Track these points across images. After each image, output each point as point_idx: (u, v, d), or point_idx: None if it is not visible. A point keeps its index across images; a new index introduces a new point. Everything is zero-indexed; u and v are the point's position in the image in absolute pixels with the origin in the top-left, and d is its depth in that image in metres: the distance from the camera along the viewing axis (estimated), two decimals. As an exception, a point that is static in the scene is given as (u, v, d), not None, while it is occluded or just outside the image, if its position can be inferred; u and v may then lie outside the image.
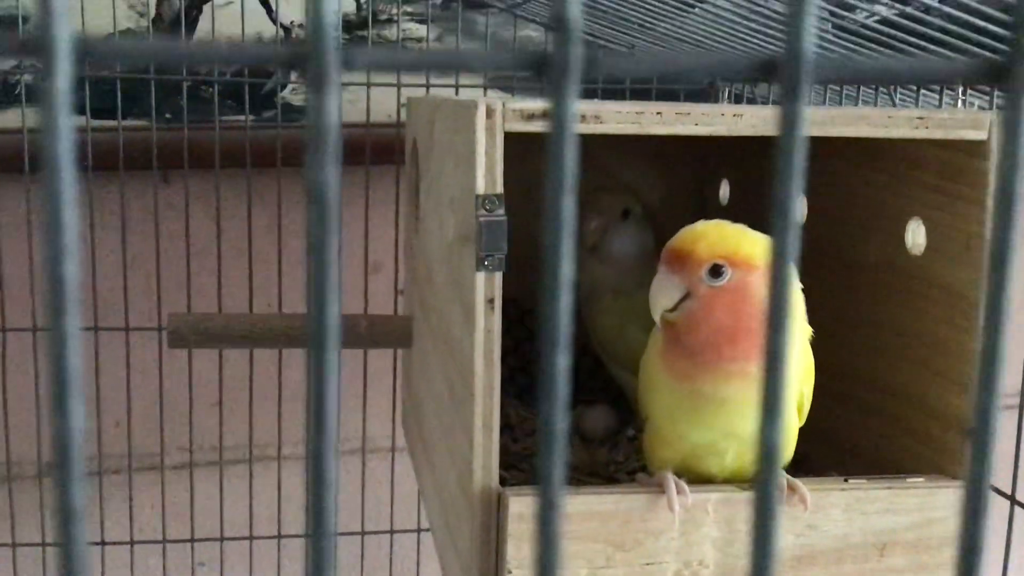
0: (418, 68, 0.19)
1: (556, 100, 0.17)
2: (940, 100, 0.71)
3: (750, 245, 0.58)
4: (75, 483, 0.18)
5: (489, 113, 0.58)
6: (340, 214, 0.18)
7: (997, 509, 0.69)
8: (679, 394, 0.60)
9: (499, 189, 0.59)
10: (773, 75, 0.17)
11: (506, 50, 0.16)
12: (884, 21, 0.85)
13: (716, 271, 0.57)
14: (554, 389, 0.18)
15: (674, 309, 0.58)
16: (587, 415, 0.90)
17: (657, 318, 0.58)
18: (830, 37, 0.82)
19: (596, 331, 0.91)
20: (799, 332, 0.61)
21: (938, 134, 0.62)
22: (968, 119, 0.63)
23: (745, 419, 0.59)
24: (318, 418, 0.19)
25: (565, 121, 0.17)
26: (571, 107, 0.17)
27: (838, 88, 0.83)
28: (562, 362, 0.18)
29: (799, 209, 0.85)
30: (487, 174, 0.58)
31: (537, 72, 0.18)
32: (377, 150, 1.07)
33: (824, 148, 0.79)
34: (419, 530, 1.13)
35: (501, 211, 0.58)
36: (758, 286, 0.58)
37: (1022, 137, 0.18)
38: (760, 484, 0.19)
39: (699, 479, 0.62)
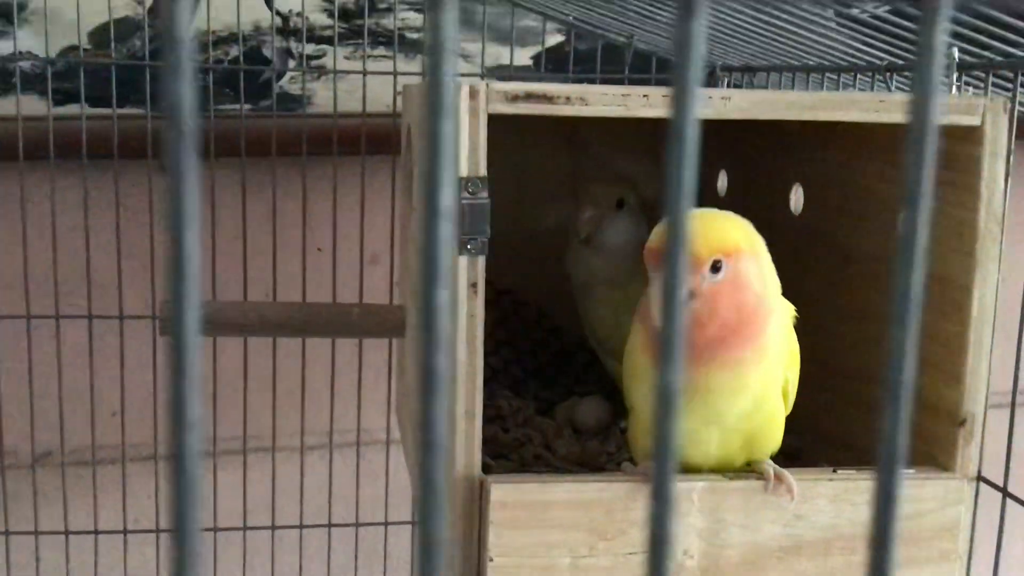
0: None
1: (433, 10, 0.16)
2: (935, 87, 0.70)
3: (735, 231, 0.58)
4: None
5: (472, 94, 0.57)
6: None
7: (990, 501, 0.68)
8: None
9: (482, 172, 0.58)
10: None
11: None
12: (878, 18, 0.85)
13: (716, 267, 0.56)
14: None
15: None
16: (580, 407, 0.90)
17: (661, 324, 0.56)
18: (832, 27, 0.81)
19: (590, 322, 0.90)
20: (778, 310, 0.60)
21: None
22: (961, 104, 0.62)
23: (730, 406, 0.58)
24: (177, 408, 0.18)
25: (441, 41, 0.16)
26: (449, 19, 0.16)
27: (835, 77, 0.82)
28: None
29: (796, 201, 0.84)
30: (470, 156, 0.58)
31: None
32: (373, 140, 1.06)
33: (820, 137, 0.79)
34: (413, 522, 1.13)
35: (484, 194, 0.58)
36: (748, 271, 0.57)
37: (933, 64, 0.17)
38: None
39: (684, 469, 0.61)
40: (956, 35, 0.65)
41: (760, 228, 0.83)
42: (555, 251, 0.99)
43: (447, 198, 0.17)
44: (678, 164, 0.17)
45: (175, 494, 0.18)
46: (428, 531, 0.17)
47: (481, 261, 0.58)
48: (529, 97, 0.58)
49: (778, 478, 0.60)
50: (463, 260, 0.58)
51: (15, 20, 1.05)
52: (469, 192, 0.57)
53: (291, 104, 1.12)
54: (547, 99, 0.58)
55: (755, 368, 0.58)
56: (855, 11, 0.71)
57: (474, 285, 0.58)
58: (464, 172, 0.58)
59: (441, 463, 0.17)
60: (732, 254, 0.56)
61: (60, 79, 1.07)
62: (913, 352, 0.19)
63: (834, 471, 0.63)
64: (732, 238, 0.57)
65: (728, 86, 1.02)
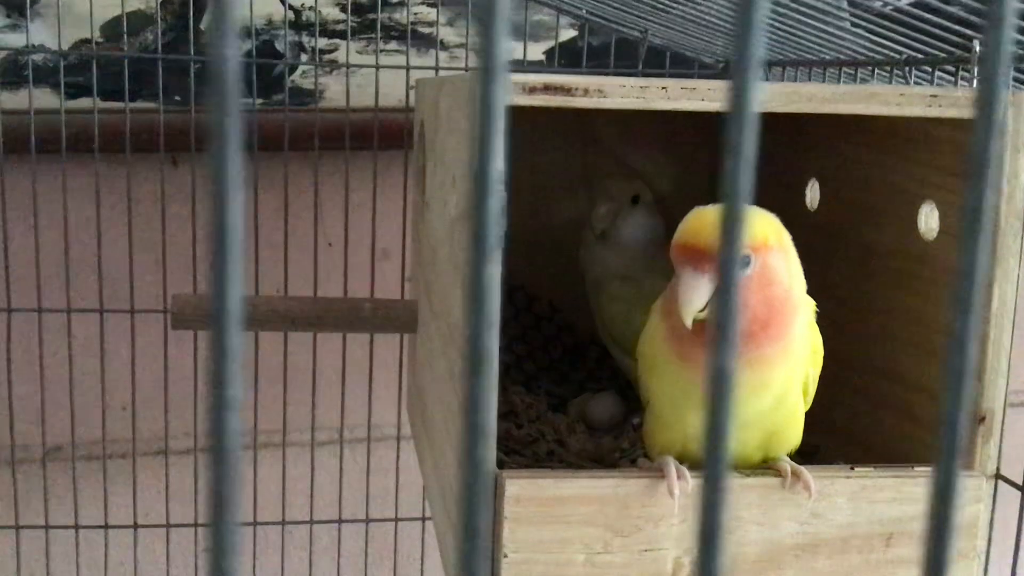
0: None
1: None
2: (956, 81, 0.69)
3: (763, 226, 0.57)
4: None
5: (489, 86, 0.57)
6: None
7: (1009, 500, 0.67)
8: (686, 378, 0.58)
9: (500, 165, 0.57)
10: None
11: None
12: (899, 10, 0.84)
13: (744, 262, 0.55)
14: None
15: (704, 308, 0.56)
16: (593, 403, 0.89)
17: (689, 321, 0.55)
18: (848, 24, 0.81)
19: (602, 318, 0.90)
20: (803, 306, 0.59)
21: (951, 112, 0.60)
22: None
23: (751, 404, 0.58)
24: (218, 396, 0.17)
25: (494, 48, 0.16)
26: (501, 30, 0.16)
27: (852, 71, 0.81)
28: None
29: (812, 196, 0.83)
30: (487, 149, 0.57)
31: None
32: (386, 135, 1.06)
33: (837, 131, 0.78)
34: (424, 518, 1.12)
35: (500, 188, 0.57)
36: (775, 266, 0.56)
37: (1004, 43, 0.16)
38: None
39: (700, 465, 0.61)
40: (976, 28, 0.64)
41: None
42: (568, 246, 0.99)
43: (497, 166, 0.16)
44: (735, 160, 0.16)
45: (215, 489, 0.17)
46: (471, 518, 0.16)
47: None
48: (547, 89, 0.57)
49: (795, 475, 0.59)
50: (479, 253, 0.58)
51: (28, 13, 1.04)
52: (485, 185, 0.57)
53: (303, 98, 1.11)
54: (565, 91, 0.57)
55: (779, 366, 0.57)
56: (876, 3, 0.71)
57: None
58: (480, 164, 0.57)
59: (489, 448, 0.16)
60: (760, 249, 0.56)
61: (72, 72, 1.07)
62: (974, 345, 0.19)
63: (852, 469, 0.62)
64: (761, 233, 0.56)
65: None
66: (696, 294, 0.54)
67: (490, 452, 0.17)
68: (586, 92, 0.57)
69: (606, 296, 0.89)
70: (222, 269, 0.16)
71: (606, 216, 0.88)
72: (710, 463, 0.18)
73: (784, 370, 0.57)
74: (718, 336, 0.17)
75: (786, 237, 0.59)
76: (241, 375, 0.18)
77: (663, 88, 0.58)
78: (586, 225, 0.90)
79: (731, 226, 0.18)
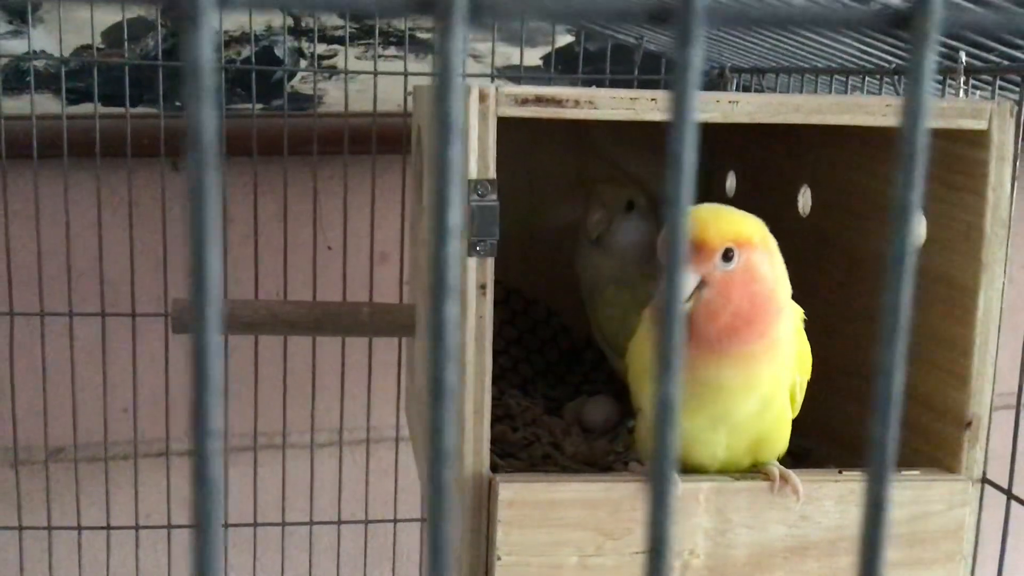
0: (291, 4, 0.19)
1: (443, 40, 0.17)
2: (943, 90, 0.70)
3: (748, 224, 0.58)
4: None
5: (482, 97, 0.58)
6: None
7: (995, 503, 0.68)
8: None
9: (492, 174, 0.58)
10: (667, 20, 0.16)
11: None
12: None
13: (728, 255, 0.56)
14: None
15: (688, 299, 0.57)
16: (588, 406, 0.90)
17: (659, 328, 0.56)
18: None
19: (599, 322, 0.91)
20: (788, 309, 0.60)
21: (938, 123, 0.61)
22: (968, 108, 0.62)
23: (739, 404, 0.59)
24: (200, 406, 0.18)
25: (451, 62, 0.17)
26: (457, 47, 0.17)
27: (843, 79, 0.82)
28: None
29: (804, 202, 0.84)
30: (480, 159, 0.58)
31: (423, 10, 0.18)
32: (384, 140, 1.07)
33: (829, 138, 0.79)
34: (422, 519, 1.13)
35: (493, 196, 0.58)
36: (760, 264, 0.58)
37: (923, 84, 0.17)
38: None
39: (691, 469, 0.62)
40: (962, 39, 0.65)
41: (768, 229, 0.83)
42: (564, 250, 1.00)
43: (455, 216, 0.17)
44: (677, 176, 0.17)
45: (197, 493, 0.18)
46: (437, 536, 0.17)
47: (490, 263, 0.59)
48: (538, 100, 0.58)
49: (783, 479, 0.60)
50: (472, 262, 0.59)
51: (29, 20, 1.06)
52: (478, 195, 0.58)
53: (302, 103, 1.12)
54: (556, 102, 0.58)
55: (766, 364, 0.58)
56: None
57: (483, 287, 0.59)
58: (473, 175, 0.58)
59: (450, 471, 0.18)
60: (744, 245, 0.57)
61: (74, 78, 1.08)
62: (901, 368, 0.20)
63: (840, 472, 0.63)
64: (745, 230, 0.57)
65: (737, 87, 1.02)
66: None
67: (451, 476, 0.18)
68: (577, 103, 0.59)
69: (601, 301, 0.90)
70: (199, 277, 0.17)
71: (600, 222, 0.89)
72: (656, 477, 0.19)
73: (770, 370, 0.58)
74: (662, 358, 0.18)
75: (771, 240, 0.60)
76: (219, 377, 0.19)
77: (652, 100, 0.59)
78: (581, 230, 0.91)
79: (675, 228, 0.18)
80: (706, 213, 0.58)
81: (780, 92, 0.94)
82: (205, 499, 0.17)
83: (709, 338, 0.56)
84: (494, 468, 0.62)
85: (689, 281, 0.56)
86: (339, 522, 1.12)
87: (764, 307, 0.57)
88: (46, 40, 1.07)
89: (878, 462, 0.19)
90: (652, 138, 1.04)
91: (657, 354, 0.18)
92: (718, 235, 0.56)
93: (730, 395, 0.58)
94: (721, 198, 0.99)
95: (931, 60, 0.18)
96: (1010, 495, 0.68)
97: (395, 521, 1.14)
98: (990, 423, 0.64)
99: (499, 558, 0.59)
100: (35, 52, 1.06)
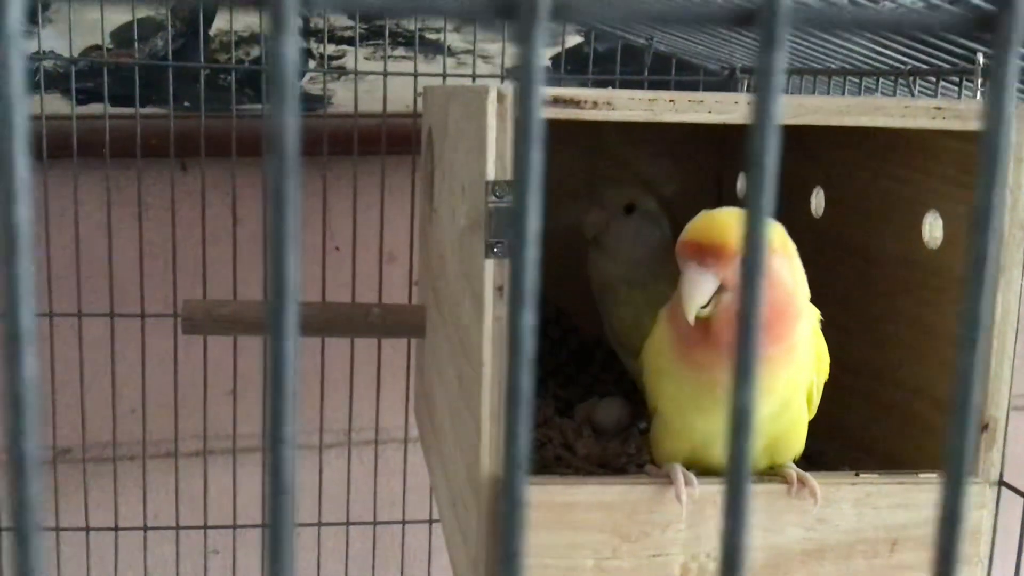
0: (376, 8, 0.18)
1: (523, 45, 0.17)
2: (959, 91, 0.70)
3: (774, 231, 0.58)
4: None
5: (500, 98, 0.58)
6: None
7: (1012, 507, 0.68)
8: (694, 383, 0.59)
9: (510, 176, 0.58)
10: (750, 22, 0.16)
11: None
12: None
13: None
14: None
15: (707, 304, 0.57)
16: (600, 407, 0.90)
17: (691, 317, 0.56)
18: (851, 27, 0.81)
19: (611, 323, 0.91)
20: (807, 313, 0.60)
21: (955, 124, 0.61)
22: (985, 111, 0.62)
23: (760, 405, 0.59)
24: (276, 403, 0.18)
25: (532, 67, 0.17)
26: (538, 52, 0.17)
27: (857, 80, 0.82)
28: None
29: (817, 204, 0.84)
30: (498, 160, 0.58)
31: (505, 15, 0.18)
32: (393, 140, 1.07)
33: (842, 140, 0.79)
34: (431, 521, 1.13)
35: (511, 198, 0.58)
36: (780, 268, 0.57)
37: (1007, 91, 0.17)
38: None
39: (708, 472, 0.62)
40: (979, 40, 0.65)
41: (776, 216, 0.83)
42: (573, 250, 1.00)
43: (533, 225, 0.17)
44: (758, 172, 0.17)
45: (272, 500, 0.18)
46: (509, 545, 0.17)
47: (507, 264, 0.59)
48: (556, 102, 0.58)
49: (801, 481, 0.60)
50: (489, 263, 0.59)
51: (39, 20, 1.05)
52: (496, 196, 0.58)
53: (312, 104, 1.12)
54: (575, 103, 0.58)
55: (783, 367, 0.58)
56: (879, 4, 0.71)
57: (500, 288, 0.59)
58: (492, 176, 0.58)
59: (525, 481, 0.17)
60: None
61: (83, 78, 1.08)
62: (981, 376, 0.20)
63: (856, 475, 0.63)
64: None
65: (748, 87, 1.02)
66: (699, 290, 0.56)
67: (526, 485, 0.18)
68: (595, 104, 0.58)
69: (612, 301, 0.89)
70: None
71: (596, 223, 0.88)
72: (731, 478, 0.18)
73: (787, 374, 0.58)
74: (739, 368, 0.18)
75: (790, 244, 0.60)
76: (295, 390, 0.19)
77: (671, 100, 0.59)
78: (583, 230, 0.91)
79: (754, 240, 0.18)
80: (724, 217, 0.58)
81: (793, 93, 0.94)
82: (279, 507, 0.17)
83: (728, 342, 0.56)
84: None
85: (708, 286, 0.55)
86: (347, 523, 1.12)
87: (783, 311, 0.57)
88: (55, 40, 1.07)
89: (954, 473, 0.19)
90: (664, 140, 1.04)
91: (733, 363, 0.18)
92: (737, 239, 0.56)
93: None
94: (732, 199, 0.99)
95: (1015, 64, 0.18)
96: (1027, 498, 0.67)
97: (403, 523, 1.14)
98: (1007, 425, 0.64)
99: (516, 561, 0.59)
100: (44, 52, 1.06)
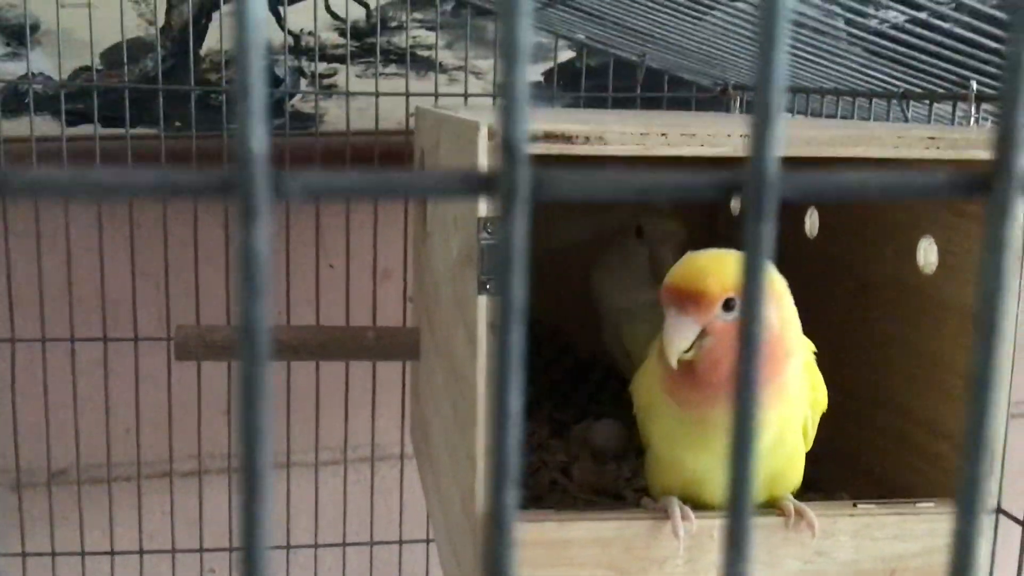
0: (356, 192, 0.18)
1: (505, 220, 0.17)
2: (953, 116, 0.70)
3: None
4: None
5: (491, 135, 0.57)
6: (268, 351, 0.18)
7: (1008, 536, 0.68)
8: (683, 422, 0.59)
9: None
10: (737, 193, 0.16)
11: (454, 174, 0.16)
12: (897, 27, 0.84)
13: (729, 305, 0.56)
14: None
15: (689, 349, 0.57)
16: (595, 429, 0.90)
17: (674, 362, 0.56)
18: (844, 45, 0.81)
19: (622, 346, 0.89)
20: (798, 350, 0.59)
21: (950, 154, 0.61)
22: (981, 139, 0.61)
23: None
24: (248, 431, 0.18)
25: (514, 241, 0.17)
26: (521, 227, 0.17)
27: (851, 99, 0.82)
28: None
29: (812, 224, 0.84)
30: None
31: (485, 192, 0.18)
32: (386, 157, 1.06)
33: (836, 165, 0.78)
34: (428, 540, 1.13)
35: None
36: (768, 312, 0.57)
37: (1005, 254, 0.17)
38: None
39: (704, 506, 0.61)
40: (972, 68, 0.65)
41: (775, 252, 0.83)
42: (569, 269, 0.99)
43: (517, 319, 0.17)
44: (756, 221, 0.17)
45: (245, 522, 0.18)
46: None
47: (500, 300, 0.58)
48: (548, 137, 0.58)
49: (798, 514, 0.60)
50: (482, 300, 0.58)
51: (28, 42, 1.05)
52: (488, 232, 0.57)
53: (304, 123, 1.12)
54: (566, 139, 0.58)
55: (774, 409, 0.58)
56: (871, 21, 0.71)
57: (494, 325, 0.58)
58: (483, 212, 0.58)
59: (513, 501, 0.17)
60: None
61: (73, 100, 1.07)
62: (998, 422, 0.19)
63: (854, 505, 0.63)
64: None
65: (741, 105, 1.02)
66: (680, 336, 0.56)
67: (514, 506, 0.18)
68: (587, 139, 0.58)
69: (625, 325, 0.88)
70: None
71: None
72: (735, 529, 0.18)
73: (779, 412, 0.58)
74: (739, 392, 0.18)
75: (778, 282, 0.59)
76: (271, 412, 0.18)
77: (663, 135, 0.58)
78: (596, 253, 0.91)
79: (753, 287, 0.18)
80: (706, 262, 0.57)
81: (786, 113, 0.93)
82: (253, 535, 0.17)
83: (713, 384, 0.56)
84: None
85: (689, 332, 0.55)
86: (344, 544, 1.12)
87: (771, 353, 0.57)
88: (45, 62, 1.06)
89: (967, 510, 0.18)
90: (662, 161, 1.04)
91: (733, 417, 0.18)
92: (718, 285, 0.55)
93: None
94: (728, 220, 0.98)
95: (1016, 233, 0.17)
96: (1025, 526, 0.67)
97: (400, 542, 1.14)
98: (1005, 452, 0.64)
99: (512, 598, 0.58)
100: (34, 75, 1.05)
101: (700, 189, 0.16)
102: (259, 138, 0.16)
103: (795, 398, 0.59)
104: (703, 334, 0.56)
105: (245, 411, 0.17)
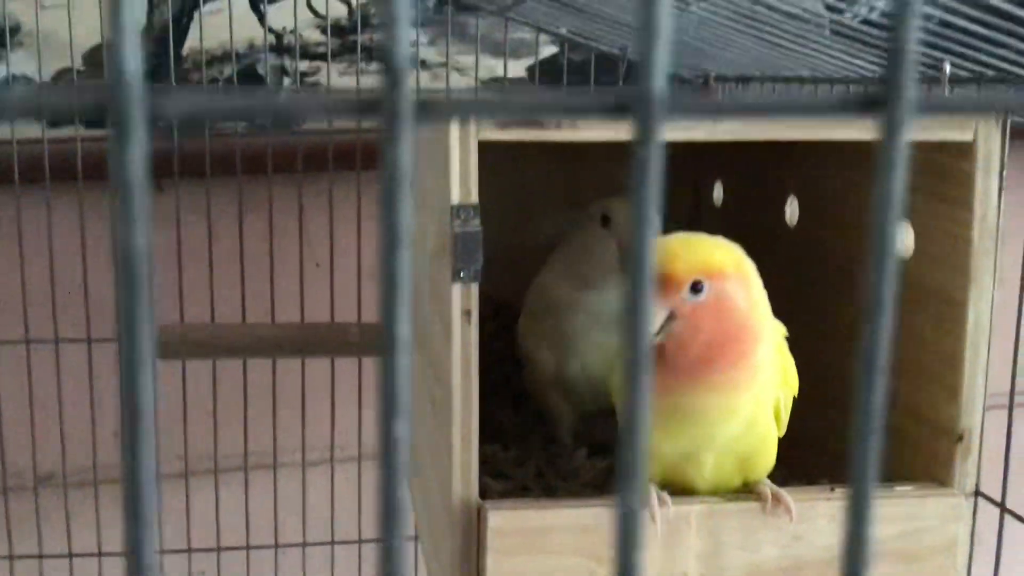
0: (230, 116, 0.18)
1: (390, 141, 0.17)
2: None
3: (719, 253, 0.57)
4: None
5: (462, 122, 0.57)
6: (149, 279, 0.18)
7: (986, 517, 0.68)
8: (658, 410, 0.59)
9: (474, 200, 0.58)
10: (625, 112, 0.16)
11: (341, 96, 0.16)
12: (884, 15, 0.84)
13: (696, 287, 0.56)
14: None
15: (658, 332, 0.56)
16: (594, 424, 0.89)
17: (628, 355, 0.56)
18: (827, 35, 0.81)
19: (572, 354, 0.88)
20: (768, 332, 0.59)
21: (923, 135, 0.61)
22: (954, 121, 0.61)
23: (721, 429, 0.58)
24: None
25: (398, 160, 0.17)
26: (406, 147, 0.17)
27: (829, 87, 0.82)
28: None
29: (792, 212, 0.84)
30: (461, 184, 0.58)
31: (369, 113, 0.17)
32: (368, 155, 1.06)
33: (816, 148, 0.78)
34: (416, 538, 1.12)
35: (476, 222, 0.58)
36: (734, 293, 0.57)
37: (896, 170, 0.17)
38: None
39: (682, 491, 0.61)
40: (947, 50, 0.65)
41: (755, 239, 0.82)
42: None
43: (405, 330, 0.17)
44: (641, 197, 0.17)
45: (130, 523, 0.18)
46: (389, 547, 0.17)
47: (474, 288, 0.58)
48: (520, 123, 0.58)
49: (776, 499, 0.60)
50: (456, 288, 0.58)
51: (8, 43, 1.05)
52: (461, 220, 0.57)
53: (286, 121, 1.12)
54: (538, 124, 0.58)
55: (745, 392, 0.58)
56: (859, 8, 0.71)
57: (467, 313, 0.58)
58: (456, 200, 0.58)
59: (405, 433, 0.17)
60: (716, 275, 0.56)
61: (54, 101, 1.07)
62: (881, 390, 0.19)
63: (832, 489, 0.63)
64: (716, 260, 0.57)
65: (722, 96, 1.02)
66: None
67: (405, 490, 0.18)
68: (559, 125, 0.58)
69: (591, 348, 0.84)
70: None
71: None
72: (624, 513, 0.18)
73: (749, 395, 0.58)
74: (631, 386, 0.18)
75: (747, 265, 0.59)
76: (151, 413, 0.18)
77: (635, 120, 0.58)
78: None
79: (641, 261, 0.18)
80: (675, 245, 0.57)
81: (764, 99, 0.93)
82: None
83: (683, 367, 0.56)
84: (483, 492, 0.61)
85: (657, 315, 0.55)
86: (332, 543, 1.11)
87: (738, 336, 0.57)
88: (26, 63, 1.06)
89: (860, 488, 0.18)
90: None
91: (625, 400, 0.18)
92: (685, 267, 0.55)
93: (710, 420, 0.58)
94: (708, 208, 0.98)
95: (904, 147, 0.17)
96: (1003, 508, 0.67)
97: (389, 539, 1.13)
98: (982, 436, 0.64)
99: (490, 586, 0.58)
100: (15, 77, 1.05)
101: (587, 110, 0.16)
102: (132, 58, 0.16)
103: (765, 382, 0.59)
104: (671, 317, 0.56)
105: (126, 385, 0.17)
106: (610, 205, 0.84)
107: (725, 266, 0.56)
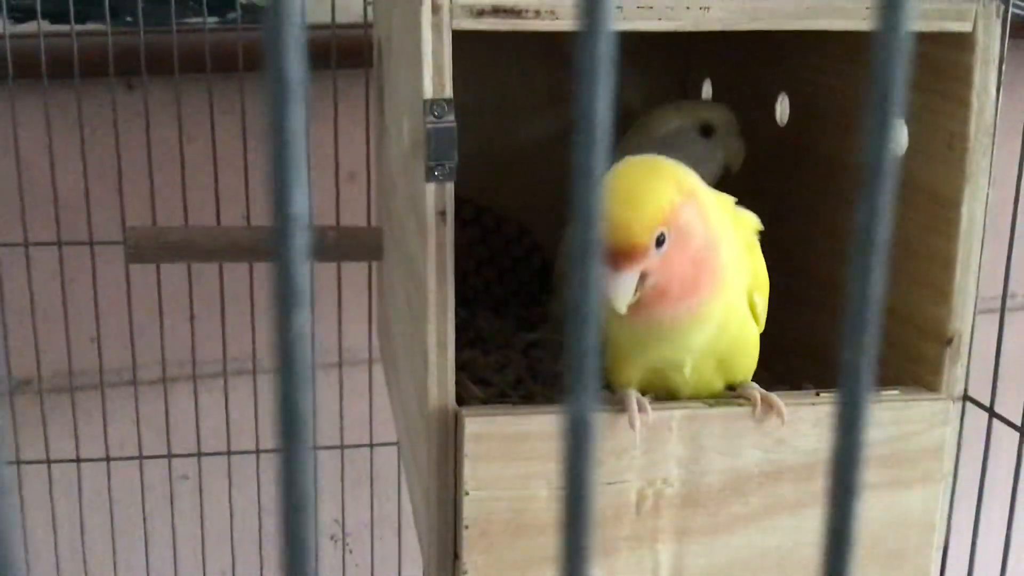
0: None
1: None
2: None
3: (665, 190, 0.53)
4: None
5: (435, 9, 0.54)
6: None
7: (975, 422, 0.67)
8: (632, 328, 0.57)
9: (448, 94, 0.55)
10: None
11: None
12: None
13: (660, 241, 0.52)
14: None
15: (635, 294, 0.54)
16: (561, 327, 0.88)
17: (623, 311, 0.53)
18: None
19: None
20: (727, 232, 0.56)
21: (920, 26, 0.58)
22: (952, 10, 0.58)
23: (695, 338, 0.56)
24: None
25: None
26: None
27: None
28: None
29: (782, 111, 0.81)
30: (435, 77, 0.55)
31: None
32: (344, 53, 1.02)
33: (807, 43, 0.75)
34: (398, 443, 1.12)
35: (451, 117, 0.55)
36: (688, 222, 0.53)
37: (895, 61, 0.14)
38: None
39: (664, 395, 0.60)
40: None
41: (745, 139, 0.80)
42: (535, 166, 0.97)
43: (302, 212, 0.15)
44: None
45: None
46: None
47: (449, 187, 0.56)
48: (496, 11, 0.55)
49: (766, 402, 0.58)
50: (430, 187, 0.56)
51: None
52: (435, 116, 0.54)
53: (258, 16, 1.07)
54: (515, 13, 0.55)
55: (714, 303, 0.56)
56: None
57: (442, 213, 0.56)
58: (429, 94, 0.55)
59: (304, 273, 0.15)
60: (672, 218, 0.52)
61: (15, -5, 1.03)
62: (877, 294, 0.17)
63: (817, 394, 0.61)
64: (666, 201, 0.52)
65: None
66: (623, 291, 0.52)
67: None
68: (537, 14, 0.55)
69: None
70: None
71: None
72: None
73: (719, 303, 0.56)
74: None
75: (687, 178, 0.55)
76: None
77: (618, 7, 0.55)
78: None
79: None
80: (625, 209, 0.52)
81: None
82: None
83: (662, 305, 0.54)
84: (459, 400, 0.59)
85: (630, 284, 0.52)
86: (314, 448, 1.10)
87: (707, 257, 0.54)
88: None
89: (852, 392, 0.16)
90: (626, 46, 1.00)
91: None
92: (646, 230, 0.51)
93: (684, 333, 0.56)
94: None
95: (904, 36, 0.15)
96: (992, 413, 0.66)
97: (371, 446, 1.13)
98: (972, 339, 0.62)
99: (467, 493, 0.57)
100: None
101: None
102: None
103: (733, 283, 0.57)
104: (643, 277, 0.53)
105: None
106: (707, 115, 0.80)
107: (675, 200, 0.53)
